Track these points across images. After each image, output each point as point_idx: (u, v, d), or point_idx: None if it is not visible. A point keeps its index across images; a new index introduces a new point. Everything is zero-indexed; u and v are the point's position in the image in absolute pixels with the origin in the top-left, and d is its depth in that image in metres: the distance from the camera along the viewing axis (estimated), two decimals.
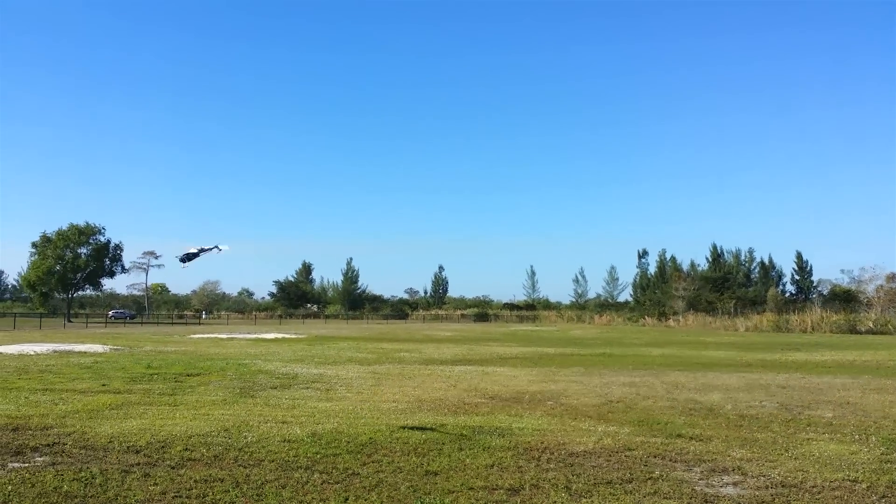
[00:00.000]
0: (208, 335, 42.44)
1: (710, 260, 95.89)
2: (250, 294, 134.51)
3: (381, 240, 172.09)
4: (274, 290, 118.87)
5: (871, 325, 57.37)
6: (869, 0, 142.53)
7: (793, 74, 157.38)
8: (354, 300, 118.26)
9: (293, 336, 42.28)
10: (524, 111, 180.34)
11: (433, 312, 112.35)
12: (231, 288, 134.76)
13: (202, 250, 10.39)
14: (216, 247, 10.49)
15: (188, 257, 10.15)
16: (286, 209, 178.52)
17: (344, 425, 10.01)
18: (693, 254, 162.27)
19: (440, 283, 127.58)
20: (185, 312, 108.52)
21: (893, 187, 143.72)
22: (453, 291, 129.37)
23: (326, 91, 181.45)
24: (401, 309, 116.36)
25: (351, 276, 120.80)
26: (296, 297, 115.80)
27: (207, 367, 19.28)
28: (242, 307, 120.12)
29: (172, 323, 79.57)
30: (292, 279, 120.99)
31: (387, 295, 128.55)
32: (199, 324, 77.32)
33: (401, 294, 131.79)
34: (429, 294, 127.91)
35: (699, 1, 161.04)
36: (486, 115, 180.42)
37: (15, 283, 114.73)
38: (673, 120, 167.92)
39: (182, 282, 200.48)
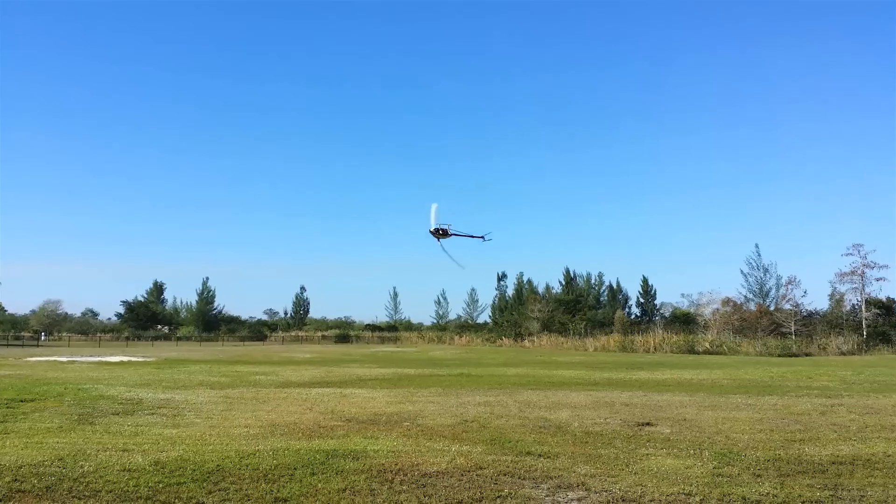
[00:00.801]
0: (47, 358, 39.49)
1: (564, 283, 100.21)
2: (95, 314, 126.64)
3: (240, 260, 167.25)
4: (121, 310, 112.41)
5: (708, 346, 61.73)
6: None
7: (627, 106, 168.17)
8: (209, 321, 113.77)
9: (140, 359, 40.09)
10: (379, 133, 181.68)
11: (293, 334, 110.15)
12: (74, 308, 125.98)
13: (468, 235, 9.84)
14: (483, 236, 9.98)
15: (443, 233, 9.45)
16: (137, 226, 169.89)
17: (190, 452, 9.61)
18: (548, 277, 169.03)
19: (301, 304, 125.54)
20: (23, 333, 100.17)
21: (731, 216, 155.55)
22: (315, 312, 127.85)
23: (183, 105, 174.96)
24: (259, 330, 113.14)
25: (206, 297, 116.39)
26: (145, 318, 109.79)
27: (44, 392, 17.94)
28: (86, 328, 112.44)
29: (8, 345, 73.05)
30: (142, 299, 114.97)
31: (245, 316, 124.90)
32: (38, 346, 71.53)
33: (260, 315, 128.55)
34: (289, 315, 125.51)
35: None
36: (344, 137, 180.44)
37: None
38: (530, 148, 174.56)
39: (20, 301, 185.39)
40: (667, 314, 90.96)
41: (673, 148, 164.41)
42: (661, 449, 10.39)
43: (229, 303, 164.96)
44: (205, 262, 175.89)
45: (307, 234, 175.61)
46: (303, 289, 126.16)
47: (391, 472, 8.53)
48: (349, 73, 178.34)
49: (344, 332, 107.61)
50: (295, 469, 8.60)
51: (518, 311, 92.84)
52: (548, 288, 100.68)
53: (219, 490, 7.57)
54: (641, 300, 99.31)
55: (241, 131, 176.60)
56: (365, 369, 31.01)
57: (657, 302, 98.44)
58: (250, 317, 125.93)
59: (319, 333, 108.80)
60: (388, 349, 69.23)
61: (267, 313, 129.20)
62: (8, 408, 14.43)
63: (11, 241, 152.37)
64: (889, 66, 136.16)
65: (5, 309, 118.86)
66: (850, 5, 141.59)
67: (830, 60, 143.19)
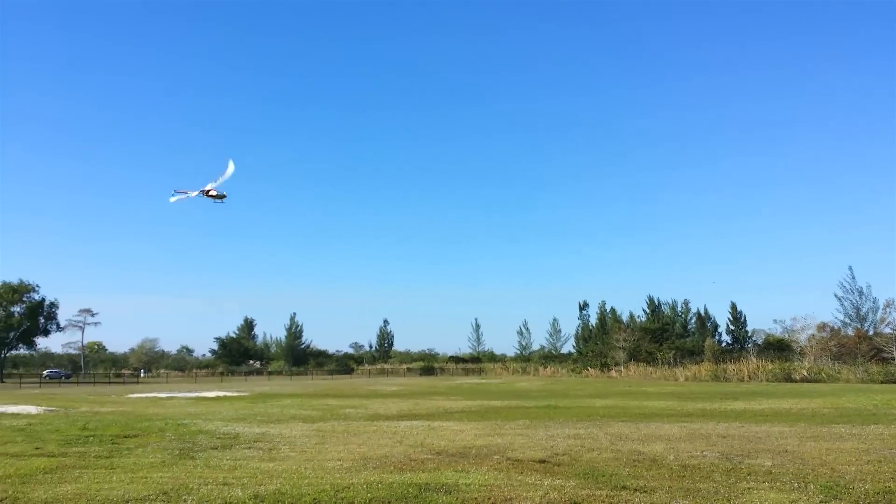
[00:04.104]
0: (147, 394, 41.23)
1: (648, 311, 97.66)
2: (190, 351, 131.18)
3: (325, 294, 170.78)
4: (215, 346, 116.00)
5: (805, 374, 58.89)
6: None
7: (724, 120, 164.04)
8: (298, 356, 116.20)
9: (235, 394, 41.31)
10: (468, 164, 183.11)
11: (379, 367, 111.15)
12: (170, 345, 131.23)
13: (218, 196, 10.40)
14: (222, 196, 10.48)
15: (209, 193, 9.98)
16: (228, 263, 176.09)
17: (287, 486, 9.82)
18: (631, 305, 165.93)
19: (385, 337, 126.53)
20: (123, 371, 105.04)
21: (821, 238, 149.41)
22: (399, 345, 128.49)
23: (263, 141, 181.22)
24: (346, 364, 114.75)
25: (294, 332, 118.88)
26: (238, 353, 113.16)
27: (146, 427, 18.70)
28: (182, 365, 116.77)
29: (109, 382, 76.82)
30: (234, 335, 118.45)
31: (331, 350, 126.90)
32: (138, 383, 75.00)
33: (346, 349, 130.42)
34: (374, 348, 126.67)
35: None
36: (430, 168, 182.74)
37: None
38: (608, 175, 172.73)
39: (119, 340, 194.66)
40: (759, 341, 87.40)
41: (755, 169, 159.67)
42: (764, 482, 10.01)
43: (316, 337, 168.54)
44: (291, 297, 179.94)
45: (390, 265, 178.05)
46: (386, 322, 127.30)
47: None
48: (426, 100, 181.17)
49: (428, 364, 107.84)
50: (389, 502, 8.68)
51: (603, 341, 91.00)
52: (632, 316, 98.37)
53: None
54: (732, 327, 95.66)
55: (332, 162, 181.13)
56: (451, 401, 31.03)
57: (748, 329, 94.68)
58: (337, 350, 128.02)
59: (404, 366, 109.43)
60: (473, 381, 69.00)
61: (352, 346, 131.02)
62: (113, 444, 15.08)
63: (110, 278, 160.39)
64: None
65: (106, 348, 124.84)
66: None
67: None
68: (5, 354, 79.96)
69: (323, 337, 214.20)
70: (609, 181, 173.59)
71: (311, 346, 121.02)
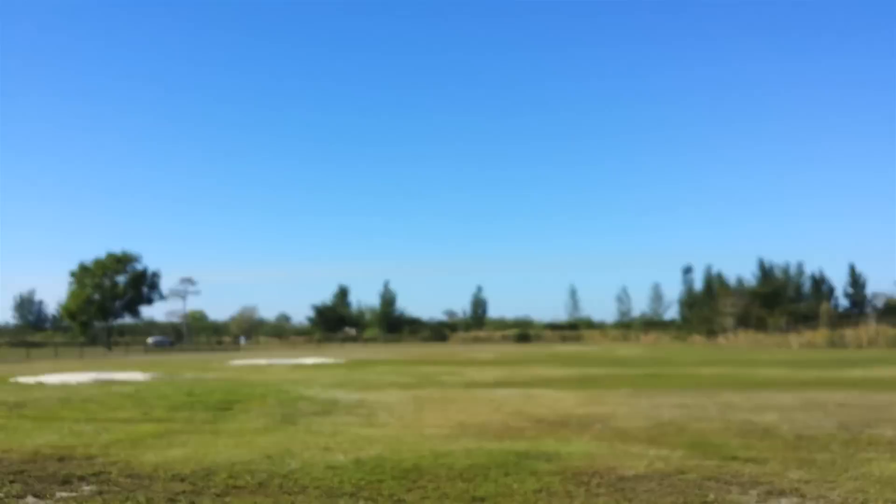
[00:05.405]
0: (247, 361, 42.72)
1: (758, 275, 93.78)
2: (288, 319, 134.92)
3: (418, 261, 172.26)
4: (311, 314, 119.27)
5: None
6: None
7: (840, 76, 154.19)
8: (392, 323, 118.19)
9: (332, 361, 42.34)
10: (563, 128, 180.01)
11: (473, 334, 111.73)
12: (269, 313, 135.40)
13: None
14: None
15: None
16: (321, 232, 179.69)
17: (387, 451, 9.82)
18: (739, 269, 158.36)
19: (479, 304, 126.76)
20: (224, 338, 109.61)
21: None
22: (493, 312, 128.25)
23: (353, 114, 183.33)
24: (440, 331, 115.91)
25: (388, 299, 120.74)
26: (333, 321, 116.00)
27: (248, 393, 19.25)
28: (280, 332, 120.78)
29: (212, 349, 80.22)
30: (329, 303, 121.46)
31: (425, 317, 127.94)
32: (238, 350, 77.92)
33: (439, 316, 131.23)
34: (468, 315, 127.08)
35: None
36: (523, 134, 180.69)
37: (55, 312, 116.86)
38: (712, 132, 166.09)
39: (220, 308, 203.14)
40: (880, 305, 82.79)
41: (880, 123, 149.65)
42: (885, 453, 9.40)
43: (409, 304, 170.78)
44: (384, 264, 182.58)
45: (481, 232, 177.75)
46: (479, 288, 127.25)
47: (587, 474, 8.22)
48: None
49: (524, 331, 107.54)
50: (489, 469, 8.53)
51: (709, 307, 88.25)
52: (740, 280, 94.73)
53: (417, 488, 7.64)
54: (850, 290, 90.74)
55: (421, 134, 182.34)
56: (549, 369, 30.74)
57: (868, 292, 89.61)
58: (430, 318, 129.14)
59: (499, 333, 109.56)
60: (571, 348, 68.46)
61: (446, 314, 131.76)
62: (217, 409, 15.50)
63: (210, 249, 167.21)
64: None
65: (207, 316, 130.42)
66: None
67: None
68: (112, 323, 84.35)
69: (416, 304, 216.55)
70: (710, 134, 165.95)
71: (405, 314, 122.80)
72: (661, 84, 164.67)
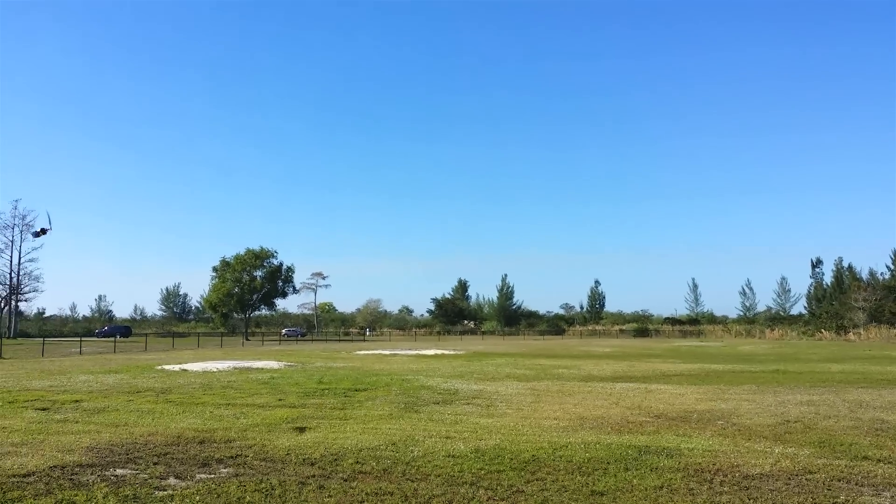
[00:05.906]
0: (372, 351, 44.10)
1: (893, 268, 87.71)
2: (410, 311, 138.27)
3: (535, 255, 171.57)
4: (432, 307, 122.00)
5: None
6: None
7: None
8: (510, 316, 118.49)
9: (451, 352, 42.97)
10: (694, 116, 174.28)
11: (590, 328, 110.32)
12: (392, 305, 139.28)
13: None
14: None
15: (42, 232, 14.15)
16: (442, 226, 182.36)
17: (506, 442, 10.04)
18: (872, 261, 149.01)
19: (596, 298, 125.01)
20: (351, 329, 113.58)
21: None
22: (610, 306, 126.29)
23: (477, 106, 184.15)
24: (557, 324, 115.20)
25: (506, 293, 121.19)
26: (453, 313, 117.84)
27: (373, 382, 20.00)
28: (403, 324, 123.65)
29: (339, 340, 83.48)
30: (449, 296, 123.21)
31: (542, 310, 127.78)
32: (364, 340, 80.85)
33: (556, 309, 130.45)
34: (585, 309, 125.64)
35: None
36: (640, 120, 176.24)
37: (198, 304, 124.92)
38: (840, 124, 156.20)
39: (347, 300, 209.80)
40: None
41: None
42: None
43: (526, 298, 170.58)
44: (502, 258, 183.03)
45: (600, 226, 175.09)
46: (597, 282, 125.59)
47: (709, 472, 8.15)
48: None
49: (642, 325, 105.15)
50: (608, 463, 8.58)
51: (839, 301, 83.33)
52: (872, 273, 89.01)
53: (536, 480, 7.78)
54: None
55: (528, 127, 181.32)
56: (668, 364, 30.06)
57: None
58: (547, 311, 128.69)
59: (616, 327, 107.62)
60: (691, 343, 66.38)
61: (563, 307, 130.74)
62: (346, 396, 16.26)
63: (338, 244, 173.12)
64: None
65: (335, 308, 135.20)
66: None
67: None
68: (250, 315, 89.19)
69: (533, 298, 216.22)
70: (839, 130, 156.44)
71: (522, 307, 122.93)
72: (785, 83, 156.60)
